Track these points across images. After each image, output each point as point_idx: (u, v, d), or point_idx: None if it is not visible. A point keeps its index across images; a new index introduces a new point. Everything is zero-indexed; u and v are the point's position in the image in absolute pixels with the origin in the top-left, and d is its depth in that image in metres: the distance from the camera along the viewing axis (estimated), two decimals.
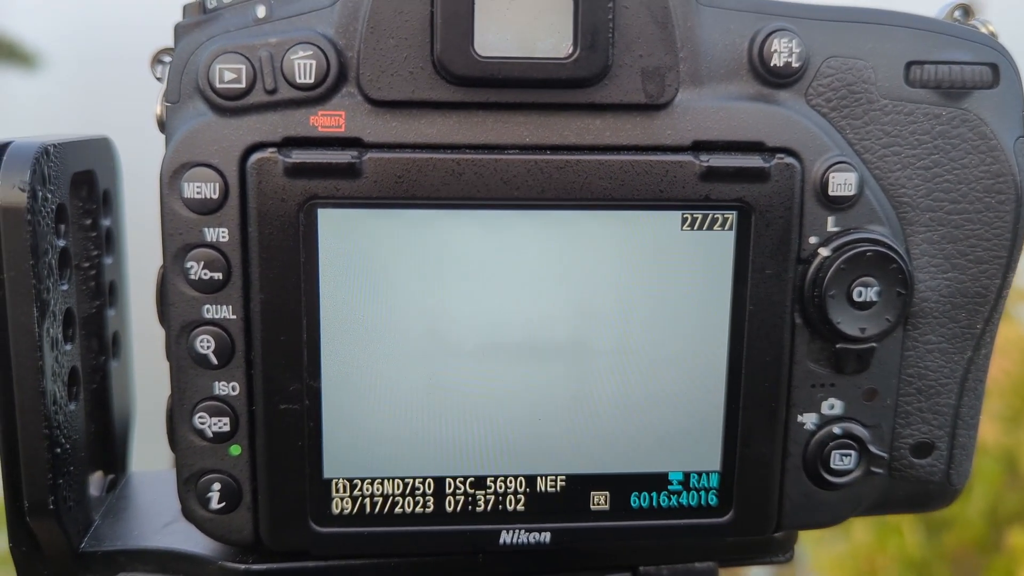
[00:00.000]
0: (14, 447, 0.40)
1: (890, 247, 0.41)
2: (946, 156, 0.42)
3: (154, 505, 0.47)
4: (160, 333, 0.40)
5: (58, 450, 0.41)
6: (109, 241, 0.47)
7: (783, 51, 0.40)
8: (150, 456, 0.56)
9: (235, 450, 0.40)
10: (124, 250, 0.49)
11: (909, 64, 0.42)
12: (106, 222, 0.47)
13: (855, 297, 0.41)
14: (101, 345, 0.47)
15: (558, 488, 0.42)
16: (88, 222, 0.46)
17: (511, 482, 0.42)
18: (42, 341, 0.39)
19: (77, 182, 0.44)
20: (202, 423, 0.40)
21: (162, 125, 0.41)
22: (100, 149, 0.47)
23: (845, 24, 0.42)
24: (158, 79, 0.42)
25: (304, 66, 0.38)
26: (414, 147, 0.39)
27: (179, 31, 0.40)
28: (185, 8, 0.41)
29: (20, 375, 0.39)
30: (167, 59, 0.42)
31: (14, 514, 0.41)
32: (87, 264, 0.46)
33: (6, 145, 0.39)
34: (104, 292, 0.47)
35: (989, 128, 0.42)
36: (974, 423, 0.45)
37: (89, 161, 0.45)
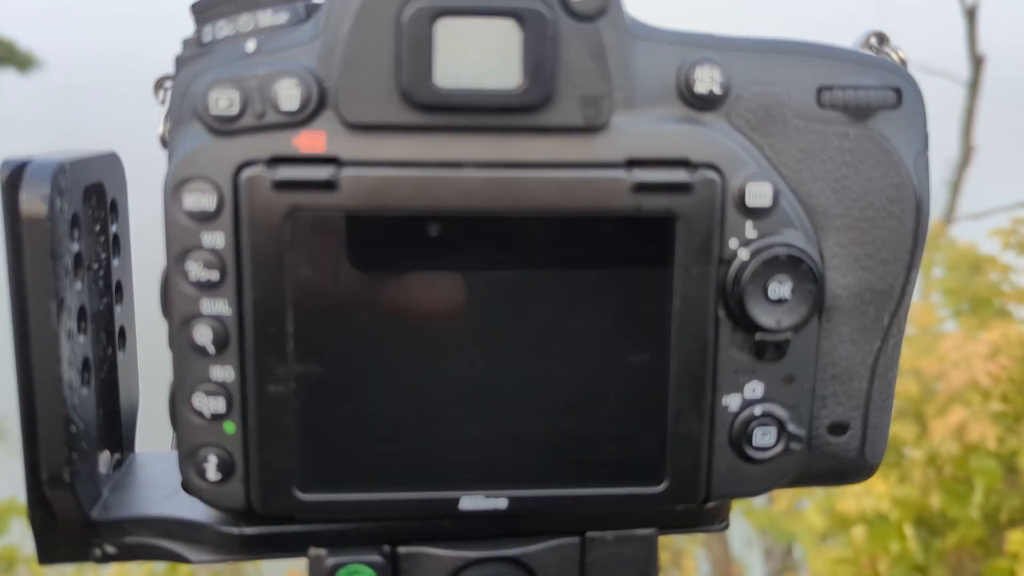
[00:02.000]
0: (34, 427, 0.46)
1: (801, 250, 0.46)
2: (854, 170, 0.48)
3: (156, 480, 0.53)
4: (154, 328, 0.46)
5: (72, 429, 0.47)
6: (116, 245, 0.54)
7: (706, 79, 0.46)
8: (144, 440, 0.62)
9: (229, 427, 0.46)
10: (129, 253, 0.55)
11: (820, 89, 0.47)
12: (113, 228, 0.53)
13: (770, 294, 0.46)
14: (109, 338, 0.53)
15: (513, 462, 0.48)
16: (98, 228, 0.52)
17: (472, 460, 0.47)
18: (59, 333, 0.45)
19: (89, 193, 0.50)
20: (200, 404, 0.46)
21: (164, 143, 0.47)
22: (108, 163, 0.53)
23: (764, 54, 0.47)
24: (161, 103, 0.49)
25: (289, 95, 0.44)
26: (385, 164, 0.45)
27: (179, 62, 0.46)
28: (184, 42, 0.47)
29: (39, 363, 0.45)
30: (168, 85, 0.48)
31: (33, 485, 0.46)
32: (96, 265, 0.52)
33: (27, 163, 0.45)
34: (112, 290, 0.53)
35: (892, 145, 0.48)
36: (886, 406, 0.51)
37: (99, 174, 0.51)
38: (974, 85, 4.00)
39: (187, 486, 0.47)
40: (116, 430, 0.54)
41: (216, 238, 0.45)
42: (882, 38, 0.51)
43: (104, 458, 0.52)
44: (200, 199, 0.44)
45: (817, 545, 3.03)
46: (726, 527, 0.53)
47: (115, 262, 0.53)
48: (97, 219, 0.51)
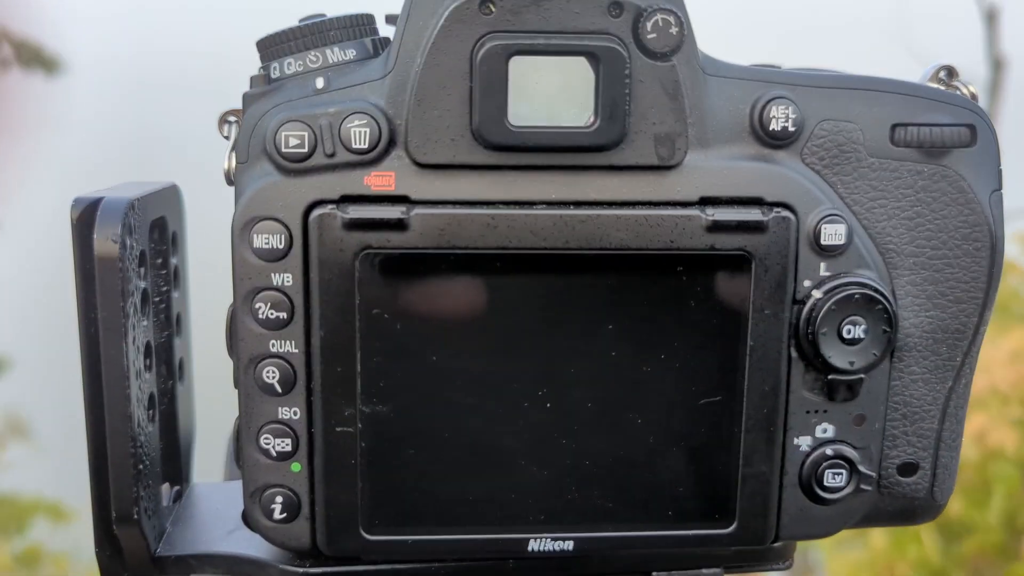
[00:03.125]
0: (103, 465, 0.46)
1: (876, 289, 0.46)
2: (928, 208, 0.47)
3: (217, 514, 0.53)
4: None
5: (140, 467, 0.47)
6: (176, 277, 0.53)
7: (780, 116, 0.45)
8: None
9: (296, 467, 0.46)
10: (187, 285, 0.55)
11: (894, 126, 0.47)
12: (174, 260, 0.53)
13: (844, 334, 0.46)
14: (169, 370, 0.53)
15: (581, 503, 0.47)
16: (159, 261, 0.52)
17: (539, 501, 0.47)
18: (129, 372, 0.45)
19: (152, 228, 0.50)
20: (267, 443, 0.46)
21: (229, 179, 0.46)
22: (170, 196, 0.52)
23: (837, 91, 0.47)
24: (225, 137, 0.48)
25: (359, 133, 0.44)
26: (454, 203, 0.44)
27: (247, 99, 0.46)
28: (252, 79, 0.46)
29: (111, 402, 0.45)
30: (232, 119, 0.48)
31: (101, 522, 0.46)
32: (158, 299, 0.52)
33: (98, 201, 0.45)
34: (173, 323, 0.53)
35: (967, 183, 0.47)
36: (956, 445, 0.50)
37: (162, 208, 0.51)
38: (994, 88, 3.98)
39: (252, 525, 0.47)
40: (176, 462, 0.54)
41: (285, 277, 0.44)
42: (951, 72, 0.50)
43: (165, 490, 0.52)
44: (269, 238, 0.44)
45: (835, 549, 3.02)
46: (790, 566, 0.52)
47: (175, 294, 0.53)
48: (159, 252, 0.51)
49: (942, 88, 0.49)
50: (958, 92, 0.49)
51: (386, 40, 0.47)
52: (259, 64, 0.47)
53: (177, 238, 0.53)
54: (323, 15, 0.48)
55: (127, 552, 0.47)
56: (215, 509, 0.54)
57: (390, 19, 0.48)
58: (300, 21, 0.47)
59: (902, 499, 0.50)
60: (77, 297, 0.45)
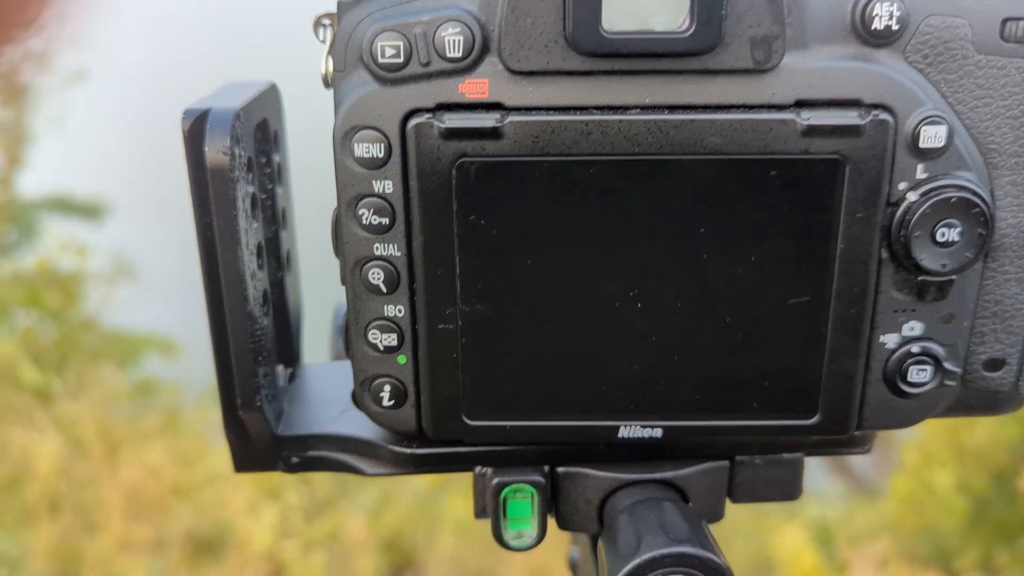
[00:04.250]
0: (227, 359, 0.50)
1: (974, 192, 0.45)
2: None
3: (328, 395, 0.58)
4: None
5: (259, 358, 0.51)
6: (280, 174, 0.56)
7: (884, 14, 0.44)
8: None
9: (402, 359, 0.49)
10: (289, 180, 0.58)
11: (1005, 20, 0.45)
12: (276, 158, 0.55)
13: (938, 238, 0.46)
14: (279, 263, 0.56)
15: (669, 393, 0.49)
16: (264, 160, 0.54)
17: (630, 392, 0.49)
18: (244, 274, 0.48)
19: (256, 130, 0.52)
20: (374, 339, 0.49)
21: (326, 82, 0.48)
22: (270, 97, 0.54)
23: None
24: (321, 41, 0.49)
25: (453, 41, 0.44)
26: (547, 109, 0.45)
27: (341, 7, 0.46)
28: None
29: (230, 304, 0.48)
30: (327, 22, 0.48)
31: (228, 408, 0.51)
32: (264, 196, 0.54)
33: (206, 113, 0.47)
34: (279, 218, 0.56)
35: None
36: None
37: (263, 111, 0.52)
38: None
39: (363, 409, 0.51)
40: (288, 345, 0.58)
41: (386, 185, 0.46)
42: None
43: (280, 372, 0.56)
44: (370, 147, 0.46)
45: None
46: (869, 451, 0.54)
47: (279, 190, 0.55)
48: (263, 152, 0.53)
49: None
50: None
51: None
52: None
53: (278, 136, 0.55)
54: None
55: (252, 433, 0.52)
56: (326, 390, 0.58)
57: None
58: None
59: (985, 393, 0.51)
60: (192, 203, 0.47)
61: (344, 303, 0.68)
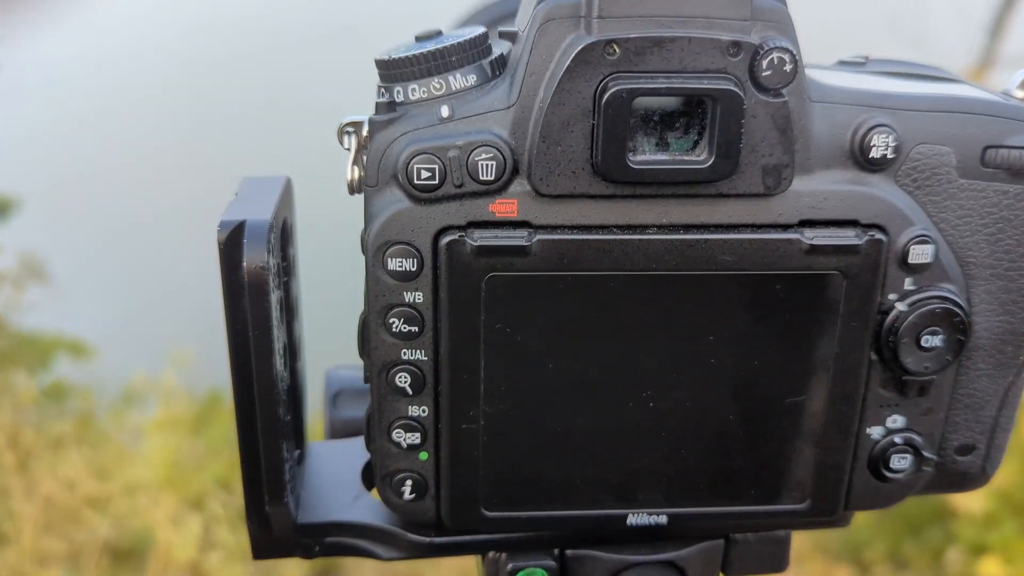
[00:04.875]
0: (256, 458, 0.51)
1: (955, 303, 0.50)
2: (1009, 224, 0.50)
3: (338, 477, 0.59)
4: None
5: (284, 454, 0.52)
6: (293, 266, 0.57)
7: (881, 145, 0.48)
8: None
9: (423, 456, 0.51)
10: (298, 270, 0.59)
11: (986, 148, 0.49)
12: (291, 251, 0.56)
13: (923, 343, 0.50)
14: (292, 351, 0.57)
15: (674, 484, 0.53)
16: (281, 255, 0.55)
17: (638, 483, 0.53)
18: (276, 379, 0.50)
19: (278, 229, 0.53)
20: (398, 437, 0.51)
21: (351, 189, 0.49)
22: (287, 194, 0.55)
23: (933, 114, 0.49)
24: (345, 149, 0.50)
25: (486, 166, 0.46)
26: (572, 228, 0.48)
27: (374, 125, 0.48)
28: (377, 105, 0.48)
29: (263, 410, 0.50)
30: (351, 130, 0.50)
31: (255, 503, 0.52)
32: (282, 290, 0.55)
33: (242, 225, 0.48)
34: (294, 308, 0.57)
35: None
36: (1009, 427, 0.56)
37: (285, 211, 0.54)
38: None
39: (385, 501, 0.53)
40: (299, 429, 0.59)
41: (416, 296, 0.48)
42: None
43: (295, 456, 0.58)
44: (402, 262, 0.47)
45: None
46: (848, 524, 0.59)
47: (292, 281, 0.57)
48: (283, 248, 0.54)
49: None
50: None
51: (501, 60, 0.48)
52: (379, 82, 0.49)
53: (293, 229, 0.56)
54: (439, 33, 0.49)
55: (274, 524, 0.53)
56: (335, 471, 0.60)
57: (504, 35, 0.50)
58: (417, 39, 0.49)
59: (957, 474, 0.56)
60: (226, 312, 0.48)
61: (333, 368, 0.69)
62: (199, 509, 3.12)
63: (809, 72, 0.49)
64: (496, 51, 0.49)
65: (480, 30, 0.49)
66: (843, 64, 0.57)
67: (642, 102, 0.45)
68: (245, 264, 0.47)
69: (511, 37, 0.49)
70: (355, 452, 0.60)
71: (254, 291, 0.47)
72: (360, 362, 0.51)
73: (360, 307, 0.50)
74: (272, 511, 0.52)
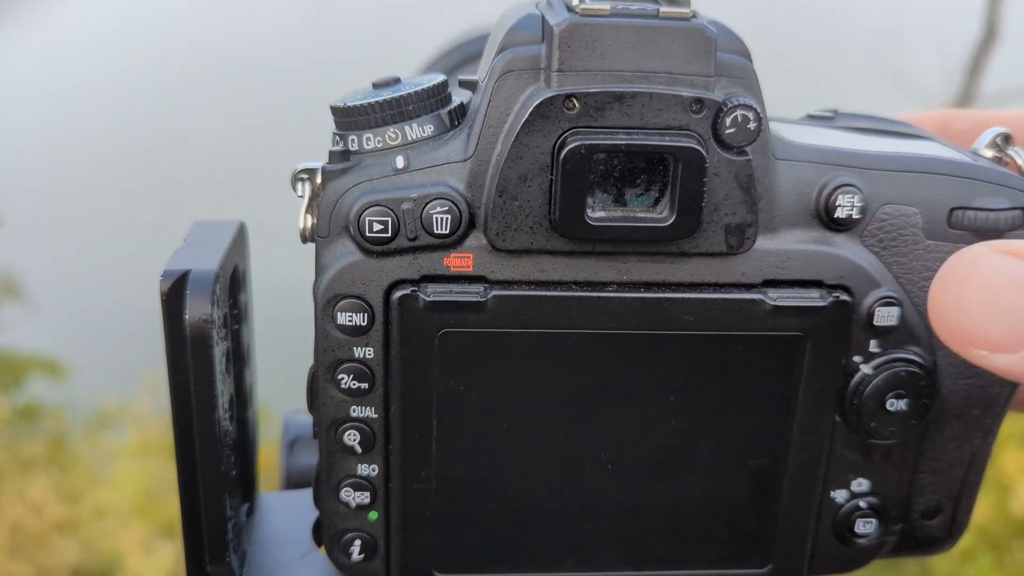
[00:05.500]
0: (198, 520, 0.49)
1: (921, 366, 0.49)
2: None
3: (287, 533, 0.57)
4: None
5: (228, 510, 0.50)
6: (245, 312, 0.55)
7: (846, 205, 0.47)
8: None
9: (373, 515, 0.50)
10: (252, 316, 0.57)
11: (952, 210, 0.48)
12: (243, 298, 0.55)
13: (888, 407, 0.49)
14: (241, 400, 0.55)
15: (634, 546, 0.51)
16: (231, 302, 0.53)
17: (595, 545, 0.51)
18: (220, 435, 0.48)
19: (228, 277, 0.51)
20: (347, 496, 0.49)
21: (304, 237, 0.48)
22: (239, 240, 0.53)
23: (900, 174, 0.48)
24: (299, 196, 0.49)
25: (441, 219, 0.45)
26: (529, 284, 0.46)
27: (327, 175, 0.46)
28: (331, 153, 0.47)
29: (204, 466, 0.48)
30: (305, 176, 0.48)
31: (195, 564, 0.50)
32: (230, 337, 0.54)
33: (186, 276, 0.46)
34: (243, 356, 0.55)
35: None
36: (975, 490, 0.54)
37: (235, 258, 0.52)
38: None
39: (334, 561, 0.51)
40: (249, 482, 0.57)
41: (367, 351, 0.46)
42: (1007, 138, 0.52)
43: (243, 511, 0.56)
44: (352, 316, 0.46)
45: None
46: None
47: (244, 329, 0.55)
48: (232, 295, 0.53)
49: (998, 164, 0.50)
50: (1014, 160, 0.51)
51: (460, 109, 0.47)
52: (334, 129, 0.47)
53: (245, 276, 0.55)
54: (398, 80, 0.48)
55: None
56: (285, 526, 0.57)
57: (464, 84, 0.49)
58: (374, 86, 0.47)
59: (923, 538, 0.54)
60: (168, 364, 0.47)
61: (294, 413, 0.67)
62: (171, 536, 3.08)
63: (775, 127, 0.48)
64: (456, 100, 0.47)
65: (439, 78, 0.47)
66: (811, 118, 0.56)
67: (604, 160, 0.44)
68: (187, 316, 0.45)
69: (471, 86, 0.48)
70: (307, 505, 0.58)
71: (196, 344, 0.46)
72: None
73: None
74: (213, 571, 0.50)
